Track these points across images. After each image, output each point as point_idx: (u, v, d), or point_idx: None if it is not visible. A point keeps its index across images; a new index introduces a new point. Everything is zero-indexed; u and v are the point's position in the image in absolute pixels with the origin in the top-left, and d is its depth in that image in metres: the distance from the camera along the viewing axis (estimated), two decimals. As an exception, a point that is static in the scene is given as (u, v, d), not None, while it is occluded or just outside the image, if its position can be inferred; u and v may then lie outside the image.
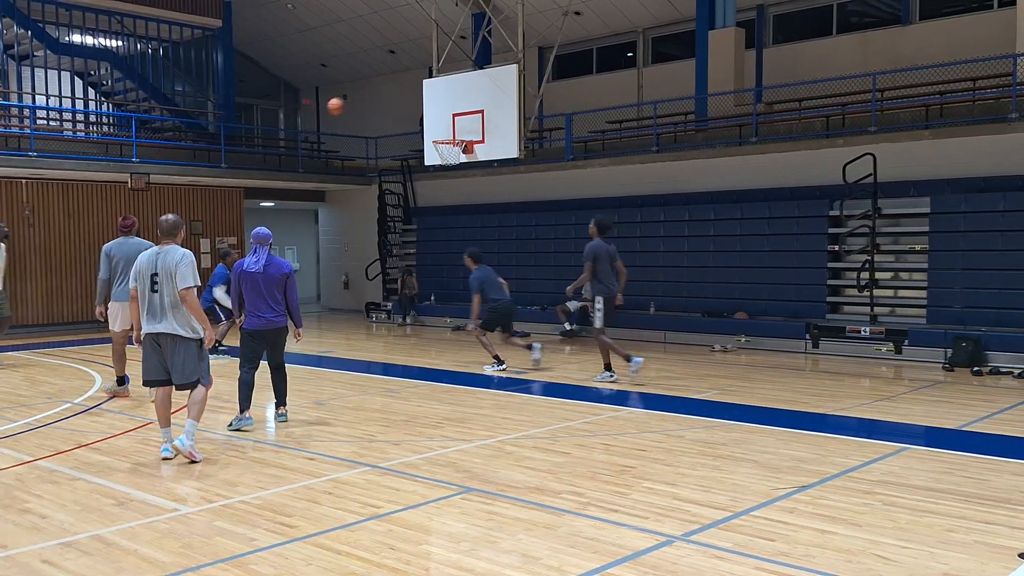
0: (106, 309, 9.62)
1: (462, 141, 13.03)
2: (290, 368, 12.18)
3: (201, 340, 6.74)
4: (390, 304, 19.60)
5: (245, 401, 8.11)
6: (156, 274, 6.57)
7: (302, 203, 22.83)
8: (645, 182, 16.45)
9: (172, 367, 6.68)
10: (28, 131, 16.44)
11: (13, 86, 18.81)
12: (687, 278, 15.57)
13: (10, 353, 13.35)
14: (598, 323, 10.53)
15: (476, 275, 11.61)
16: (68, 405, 9.26)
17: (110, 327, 9.70)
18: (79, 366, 12.24)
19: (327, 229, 23.38)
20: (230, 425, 8.08)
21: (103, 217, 17.69)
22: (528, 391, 10.03)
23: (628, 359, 10.34)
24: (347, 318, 20.27)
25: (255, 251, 8.02)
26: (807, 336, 13.40)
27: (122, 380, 9.84)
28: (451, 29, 14.50)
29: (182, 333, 6.60)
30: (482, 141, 12.87)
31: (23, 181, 16.62)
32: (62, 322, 17.01)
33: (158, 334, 6.62)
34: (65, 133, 18.44)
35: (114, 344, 9.75)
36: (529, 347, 11.85)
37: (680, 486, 6.02)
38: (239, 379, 8.19)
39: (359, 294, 21.67)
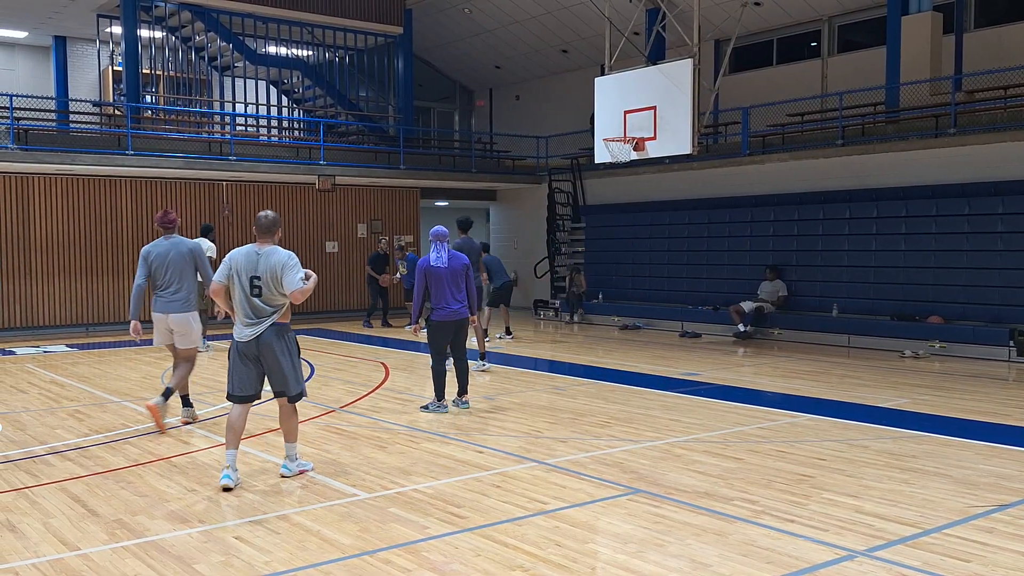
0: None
1: (633, 138, 12.87)
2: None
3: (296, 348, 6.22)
4: (558, 302, 19.70)
5: (440, 391, 8.60)
6: (258, 277, 5.92)
7: (474, 202, 23.36)
8: (829, 177, 15.62)
9: (272, 375, 6.11)
10: (228, 137, 17.78)
11: (216, 95, 20.39)
12: (874, 279, 14.65)
13: (212, 343, 14.47)
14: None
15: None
16: (260, 391, 9.90)
17: (155, 342, 8.12)
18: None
19: (497, 227, 23.80)
20: (426, 408, 8.62)
21: (294, 216, 18.85)
22: (699, 393, 9.76)
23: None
24: (515, 315, 20.52)
25: (435, 248, 8.42)
26: (1011, 343, 12.27)
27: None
28: (624, 26, 14.36)
29: (278, 343, 6.05)
30: (654, 138, 12.66)
31: (224, 183, 17.99)
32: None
33: (255, 342, 6.01)
34: (260, 138, 19.79)
35: (187, 360, 8.11)
36: (483, 356, 11.61)
37: (863, 499, 5.65)
38: (433, 370, 8.59)
39: (527, 291, 21.91)
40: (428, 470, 6.45)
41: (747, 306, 15.17)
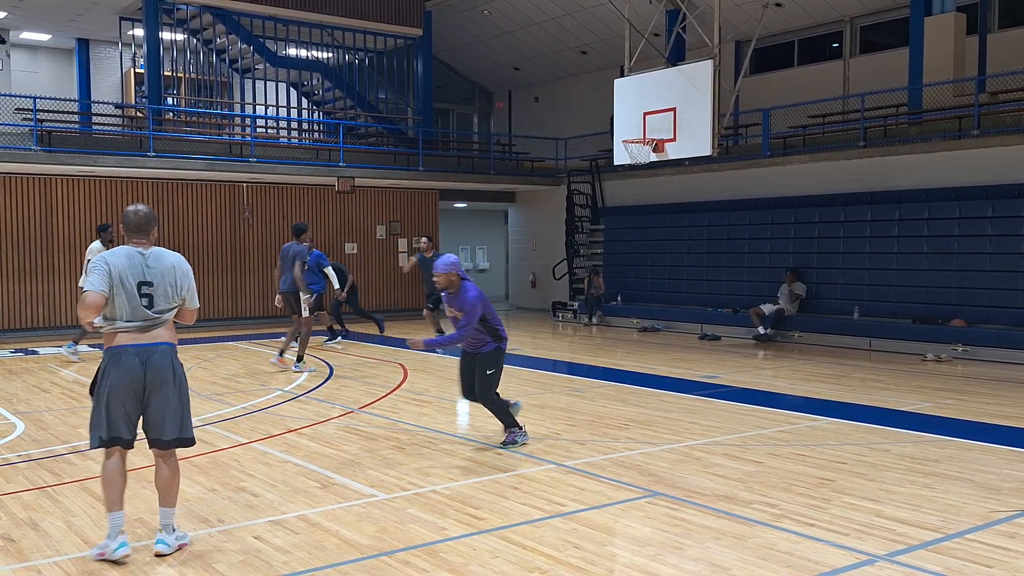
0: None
1: (653, 140, 12.83)
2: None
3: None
4: (576, 304, 19.67)
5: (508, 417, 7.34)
6: (148, 283, 4.70)
7: (493, 204, 23.38)
8: (850, 179, 15.50)
9: (156, 412, 4.75)
10: (249, 139, 17.90)
11: (237, 97, 20.52)
12: (896, 281, 14.52)
13: (231, 343, 14.58)
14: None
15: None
16: (279, 392, 9.97)
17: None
18: (290, 355, 13.11)
19: (516, 229, 23.81)
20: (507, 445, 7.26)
21: (314, 218, 18.92)
22: (719, 396, 9.71)
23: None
24: (533, 317, 20.55)
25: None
26: (1035, 347, 12.13)
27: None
28: (644, 27, 14.33)
29: (171, 370, 4.75)
30: (674, 139, 12.62)
31: (244, 185, 18.10)
32: (276, 315, 18.32)
33: (142, 367, 4.66)
34: (281, 140, 19.91)
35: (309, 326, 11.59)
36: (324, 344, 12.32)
37: (884, 503, 5.60)
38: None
39: (546, 293, 21.90)
40: (446, 471, 6.46)
41: (767, 308, 15.08)
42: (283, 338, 12.39)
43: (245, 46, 18.81)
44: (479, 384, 7.18)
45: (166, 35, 18.31)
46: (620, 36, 14.84)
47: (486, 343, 7.17)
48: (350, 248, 19.55)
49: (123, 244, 4.88)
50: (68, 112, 17.33)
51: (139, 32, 18.22)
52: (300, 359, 11.53)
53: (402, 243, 20.38)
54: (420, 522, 5.28)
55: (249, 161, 17.13)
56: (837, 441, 7.44)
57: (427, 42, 21.04)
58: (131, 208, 4.90)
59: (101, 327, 4.78)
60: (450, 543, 4.91)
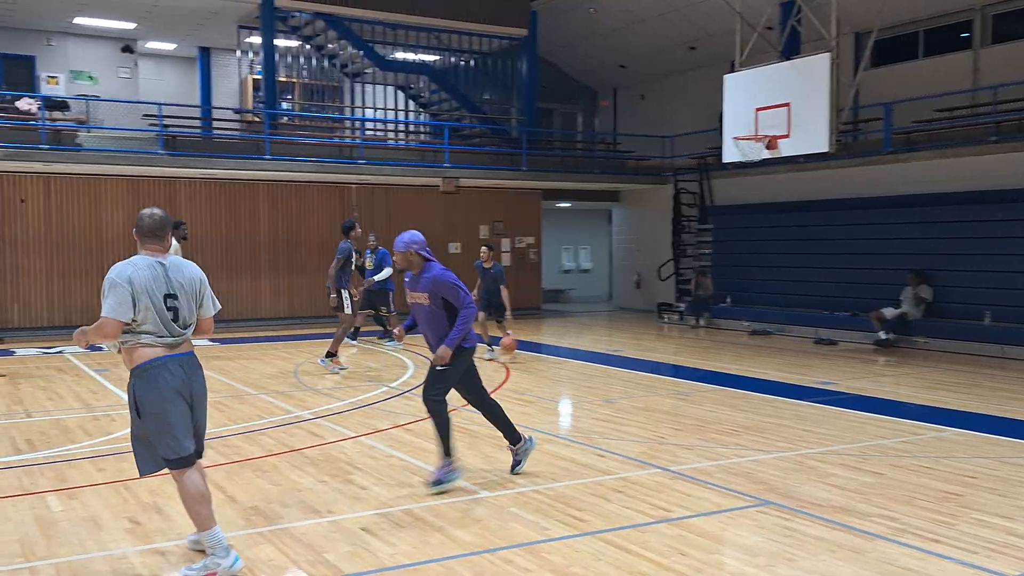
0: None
1: (765, 136, 12.45)
2: (579, 365, 12.54)
3: None
4: (683, 305, 19.30)
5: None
6: (172, 296, 4.40)
7: (596, 203, 23.20)
8: (980, 176, 14.63)
9: (198, 428, 4.59)
10: (358, 141, 18.31)
11: (347, 101, 21.05)
12: (1029, 285, 13.62)
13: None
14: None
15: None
16: (385, 388, 10.13)
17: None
18: (396, 354, 13.37)
19: (620, 229, 23.56)
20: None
21: (419, 218, 19.19)
22: (835, 403, 9.31)
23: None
24: (638, 318, 20.28)
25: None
26: None
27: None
28: (756, 21, 13.92)
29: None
30: (787, 136, 12.21)
31: (352, 186, 18.54)
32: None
33: (191, 375, 4.48)
34: (388, 142, 20.30)
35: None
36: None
37: (1018, 520, 5.22)
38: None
39: (651, 294, 21.57)
40: (548, 472, 6.41)
41: (889, 313, 14.40)
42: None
43: (355, 51, 19.25)
44: (426, 380, 6.12)
45: (281, 42, 18.94)
46: (731, 31, 14.45)
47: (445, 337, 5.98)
48: (454, 248, 19.74)
49: (139, 252, 4.47)
50: (190, 118, 18.14)
51: (256, 40, 18.90)
52: (330, 355, 11.37)
53: (505, 243, 20.46)
54: (522, 521, 5.26)
55: (358, 163, 17.53)
56: (965, 454, 7.00)
57: (532, 42, 21.05)
58: (146, 211, 4.47)
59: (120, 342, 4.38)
60: (552, 543, 4.87)
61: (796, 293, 17.35)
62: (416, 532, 5.08)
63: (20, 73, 18.86)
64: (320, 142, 18.04)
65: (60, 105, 16.58)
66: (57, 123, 15.77)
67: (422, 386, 6.16)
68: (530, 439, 6.46)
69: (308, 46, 19.83)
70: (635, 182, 21.48)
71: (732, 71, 13.45)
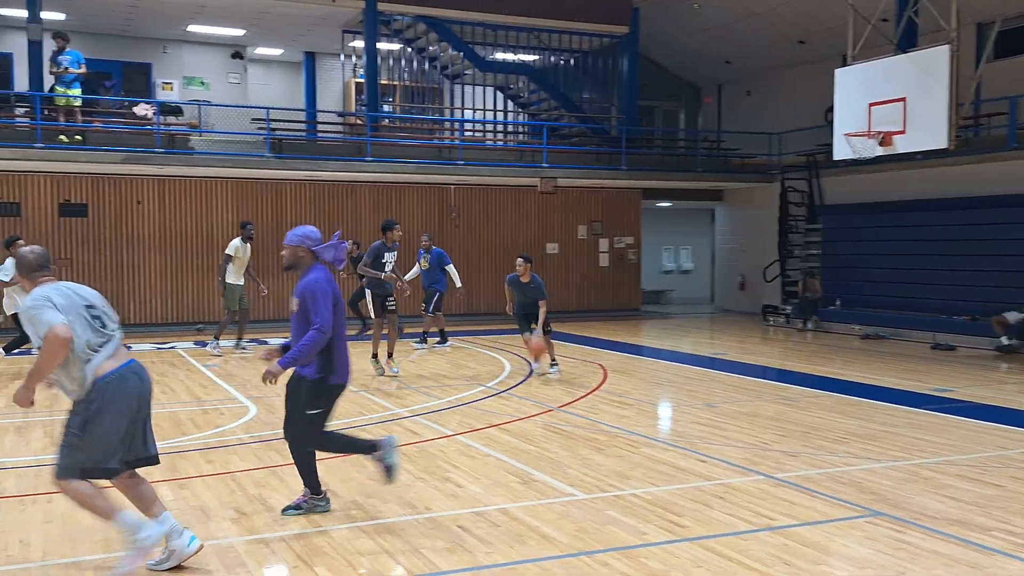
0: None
1: (879, 132, 11.93)
2: (679, 367, 12.29)
3: None
4: (789, 308, 18.72)
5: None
6: (90, 305, 4.45)
7: (698, 203, 22.76)
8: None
9: (149, 433, 4.59)
10: (457, 142, 18.49)
11: (447, 102, 21.29)
12: None
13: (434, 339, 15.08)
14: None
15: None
16: (482, 388, 10.17)
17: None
18: (492, 353, 13.43)
19: (723, 228, 23.04)
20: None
21: (516, 218, 19.28)
22: (953, 412, 8.82)
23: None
24: (741, 320, 19.77)
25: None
26: None
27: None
28: (870, 13, 13.36)
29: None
30: (903, 131, 11.67)
31: (451, 187, 18.72)
32: (478, 312, 18.84)
33: (143, 380, 4.56)
34: (487, 143, 20.42)
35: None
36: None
37: None
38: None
39: (755, 296, 21.00)
40: (647, 475, 6.30)
41: (1012, 317, 13.58)
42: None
43: (455, 52, 19.46)
44: (294, 421, 5.24)
45: (383, 45, 19.30)
46: (843, 23, 13.91)
47: (309, 365, 5.14)
48: (551, 248, 19.70)
49: (24, 286, 4.48)
50: (296, 121, 18.66)
51: (359, 44, 19.32)
52: (376, 356, 11.17)
53: (603, 243, 20.29)
54: (620, 524, 5.19)
55: (456, 164, 17.69)
56: (1098, 467, 6.52)
57: (634, 39, 20.80)
58: (26, 249, 4.48)
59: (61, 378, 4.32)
60: (650, 548, 4.79)
61: (911, 296, 16.54)
62: (512, 531, 5.07)
63: (138, 80, 19.83)
64: (420, 143, 18.30)
65: (174, 110, 17.35)
66: (171, 127, 16.48)
67: (286, 425, 5.34)
68: (323, 500, 5.44)
69: (409, 49, 20.15)
70: (740, 180, 20.96)
71: (844, 65, 12.94)
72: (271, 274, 16.69)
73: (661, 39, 22.79)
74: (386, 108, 20.19)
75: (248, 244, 13.17)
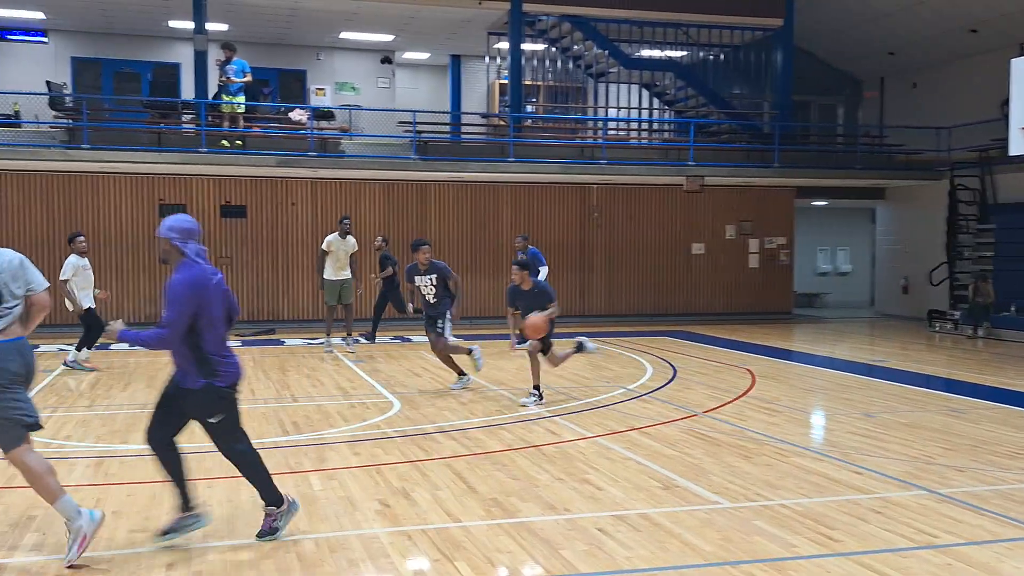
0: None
1: (1060, 123, 10.89)
2: (834, 374, 11.68)
3: None
4: (957, 313, 17.46)
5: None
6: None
7: (858, 201, 21.59)
8: None
9: None
10: (600, 141, 18.31)
11: (590, 102, 21.16)
12: None
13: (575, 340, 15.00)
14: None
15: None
16: (623, 390, 9.99)
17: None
18: (633, 355, 13.21)
19: (885, 228, 21.75)
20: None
21: (660, 217, 18.89)
22: None
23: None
24: (904, 326, 18.61)
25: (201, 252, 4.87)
26: None
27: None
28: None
29: None
30: (1088, 121, 10.60)
31: (593, 187, 18.57)
32: (620, 313, 18.60)
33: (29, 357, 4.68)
34: (630, 141, 20.13)
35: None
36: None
37: None
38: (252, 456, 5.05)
39: (920, 300, 19.72)
40: (797, 486, 6.01)
41: None
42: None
43: (600, 51, 19.31)
44: (215, 439, 4.87)
45: (527, 46, 19.40)
46: (1019, 10, 12.84)
47: (189, 373, 4.72)
48: (697, 248, 19.21)
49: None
50: (441, 124, 19.00)
51: (504, 45, 19.51)
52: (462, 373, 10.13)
53: (753, 243, 19.60)
54: (767, 535, 4.98)
55: (600, 163, 17.54)
56: None
57: (788, 32, 19.98)
58: None
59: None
60: (800, 561, 4.57)
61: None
62: (653, 537, 4.96)
63: (293, 86, 20.84)
64: (563, 143, 18.26)
65: (326, 115, 18.06)
66: (323, 132, 17.17)
67: (219, 448, 4.98)
68: (196, 519, 4.90)
69: (553, 48, 20.17)
70: (904, 178, 19.72)
71: (1022, 54, 11.91)
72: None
73: (819, 30, 21.78)
74: (529, 108, 20.28)
75: (347, 239, 13.21)
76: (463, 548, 4.77)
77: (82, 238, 11.17)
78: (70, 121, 15.71)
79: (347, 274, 13.14)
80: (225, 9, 17.45)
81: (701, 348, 14.25)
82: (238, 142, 15.64)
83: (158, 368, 11.42)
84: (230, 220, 16.80)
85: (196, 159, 15.38)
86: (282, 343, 14.72)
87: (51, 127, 15.98)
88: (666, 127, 21.72)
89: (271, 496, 4.88)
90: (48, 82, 16.84)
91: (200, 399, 4.69)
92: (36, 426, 4.53)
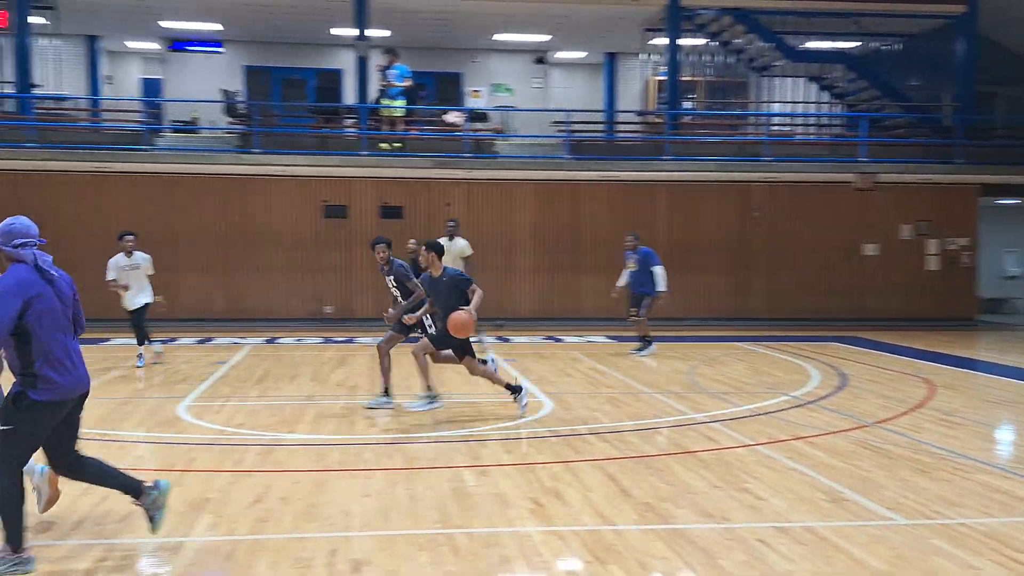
0: None
1: None
2: (1009, 384, 10.70)
3: None
4: None
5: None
6: None
7: (1056, 200, 19.71)
8: None
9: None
10: (763, 137, 17.59)
11: (752, 96, 20.41)
12: None
13: (736, 343, 14.49)
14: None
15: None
16: (786, 397, 9.52)
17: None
18: (798, 360, 12.59)
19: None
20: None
21: (826, 216, 17.91)
22: None
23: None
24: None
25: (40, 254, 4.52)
26: None
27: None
28: None
29: None
30: None
31: (753, 184, 17.83)
32: (780, 317, 17.77)
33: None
34: (795, 137, 19.24)
35: None
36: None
37: None
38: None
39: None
40: (980, 504, 5.54)
41: None
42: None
43: (763, 44, 18.60)
44: None
45: (685, 41, 18.94)
46: None
47: (14, 379, 4.44)
48: (870, 249, 18.09)
49: None
50: (595, 122, 18.80)
51: (661, 41, 19.15)
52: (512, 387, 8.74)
53: (931, 244, 18.27)
54: (946, 555, 4.63)
55: (762, 160, 16.85)
56: None
57: (971, 19, 18.52)
58: None
59: None
60: (988, 589, 4.15)
61: None
62: (818, 551, 4.69)
63: (449, 89, 21.31)
64: (722, 140, 17.69)
65: (480, 116, 18.30)
66: (478, 133, 17.39)
67: None
68: (157, 484, 4.73)
69: (714, 43, 19.60)
70: (1102, 173, 17.84)
71: None
72: (574, 273, 16.93)
73: (1007, 15, 20.06)
74: (687, 105, 19.81)
75: (455, 241, 12.58)
76: (615, 551, 4.66)
77: (130, 237, 10.80)
78: (243, 127, 16.69)
79: None
80: (385, 15, 18.03)
81: (872, 355, 13.39)
82: (397, 144, 16.12)
83: (322, 363, 11.93)
84: (388, 220, 17.30)
85: (357, 162, 15.99)
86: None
87: (226, 132, 17.03)
88: (834, 122, 20.64)
89: (13, 539, 4.34)
90: (224, 90, 17.97)
91: (7, 403, 4.37)
92: None
